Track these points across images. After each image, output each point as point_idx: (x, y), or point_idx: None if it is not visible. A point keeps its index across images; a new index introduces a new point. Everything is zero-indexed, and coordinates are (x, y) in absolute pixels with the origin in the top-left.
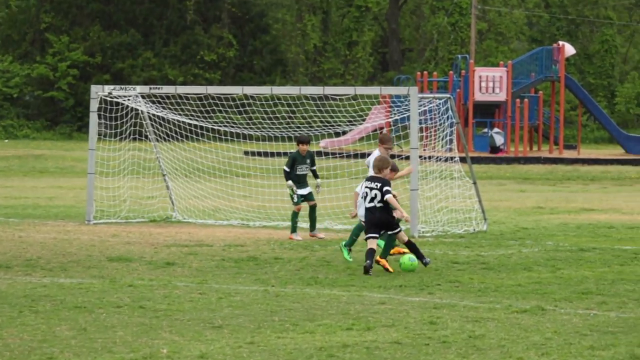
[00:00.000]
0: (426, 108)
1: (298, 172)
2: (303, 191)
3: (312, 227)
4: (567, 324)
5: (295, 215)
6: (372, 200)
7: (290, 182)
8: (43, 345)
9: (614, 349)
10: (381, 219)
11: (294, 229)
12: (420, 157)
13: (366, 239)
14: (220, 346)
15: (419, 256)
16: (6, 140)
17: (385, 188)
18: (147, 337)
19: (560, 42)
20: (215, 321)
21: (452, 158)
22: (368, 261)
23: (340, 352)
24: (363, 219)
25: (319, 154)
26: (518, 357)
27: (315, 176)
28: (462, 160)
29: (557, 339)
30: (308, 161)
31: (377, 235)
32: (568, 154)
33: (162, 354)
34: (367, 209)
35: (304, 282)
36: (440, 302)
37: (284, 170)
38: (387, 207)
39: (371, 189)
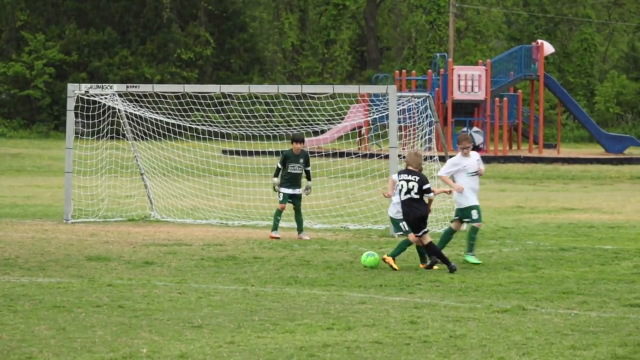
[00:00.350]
0: (405, 107)
1: (290, 171)
2: (291, 191)
3: (299, 229)
4: (548, 324)
5: (277, 214)
6: (408, 192)
7: (275, 179)
8: (22, 344)
9: (595, 349)
10: (417, 213)
11: (274, 227)
12: (399, 156)
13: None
14: (200, 346)
15: (444, 260)
16: None
17: (425, 186)
18: (127, 337)
19: (539, 41)
20: (194, 321)
21: (431, 157)
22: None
23: (321, 352)
24: (392, 215)
25: None
26: (499, 357)
27: (308, 177)
28: (442, 159)
29: (538, 339)
30: (301, 160)
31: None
32: (548, 153)
33: (141, 354)
34: (402, 202)
35: (283, 282)
36: (421, 302)
37: (276, 167)
38: (422, 200)
39: (408, 181)
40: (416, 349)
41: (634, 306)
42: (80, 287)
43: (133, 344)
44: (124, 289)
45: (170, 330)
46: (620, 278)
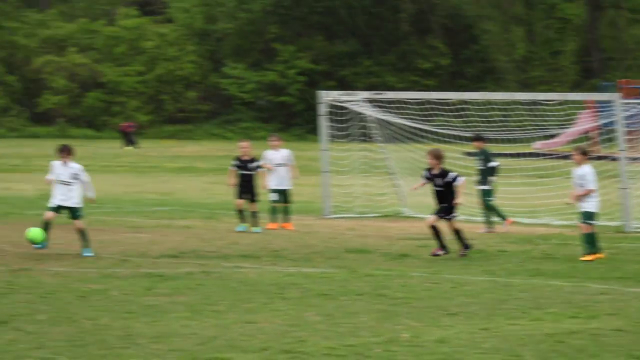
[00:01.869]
0: (631, 113)
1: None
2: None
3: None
4: None
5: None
6: None
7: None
8: (293, 329)
9: None
10: None
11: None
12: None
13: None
14: (456, 332)
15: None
16: None
17: None
18: (389, 323)
19: None
20: (450, 308)
21: None
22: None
23: (568, 339)
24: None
25: (533, 155)
26: None
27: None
28: None
29: None
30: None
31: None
32: None
33: (403, 338)
34: None
35: (528, 274)
36: None
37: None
38: None
39: None
40: None
41: None
42: (343, 277)
43: (394, 330)
44: (382, 278)
45: (427, 317)
46: None
